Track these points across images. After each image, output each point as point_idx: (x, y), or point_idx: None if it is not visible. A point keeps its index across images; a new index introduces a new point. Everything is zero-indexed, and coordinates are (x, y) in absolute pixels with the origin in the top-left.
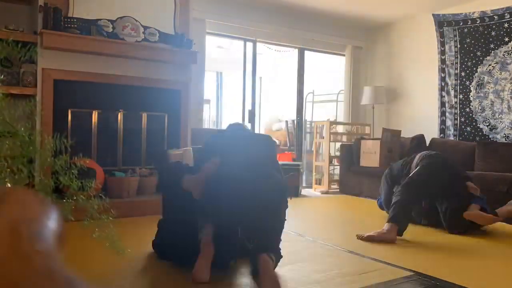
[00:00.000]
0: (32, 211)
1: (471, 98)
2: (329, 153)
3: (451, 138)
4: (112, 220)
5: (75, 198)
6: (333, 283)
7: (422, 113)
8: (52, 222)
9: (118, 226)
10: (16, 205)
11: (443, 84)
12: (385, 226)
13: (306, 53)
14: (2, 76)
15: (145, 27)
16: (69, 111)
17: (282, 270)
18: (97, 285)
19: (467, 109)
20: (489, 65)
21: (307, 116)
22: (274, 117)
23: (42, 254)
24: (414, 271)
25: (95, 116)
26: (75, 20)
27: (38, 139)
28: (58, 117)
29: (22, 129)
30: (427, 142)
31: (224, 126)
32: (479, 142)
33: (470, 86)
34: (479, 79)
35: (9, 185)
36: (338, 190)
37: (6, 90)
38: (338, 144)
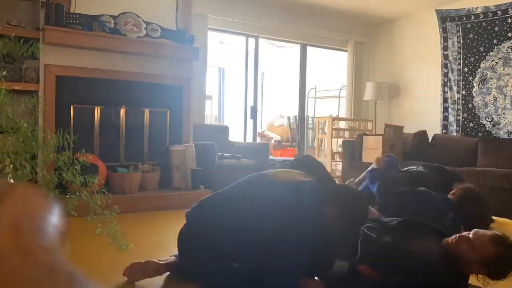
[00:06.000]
0: (35, 206)
1: (474, 94)
2: (331, 149)
3: (454, 134)
4: (114, 215)
5: (78, 193)
6: None
7: (425, 109)
8: (54, 218)
9: (120, 221)
10: (19, 200)
11: (445, 80)
12: None
13: (308, 48)
14: (5, 72)
15: (147, 23)
16: (72, 107)
17: None
18: (100, 281)
19: (470, 105)
20: (492, 60)
21: (309, 112)
22: (276, 113)
23: (45, 249)
24: None
25: (97, 112)
26: (77, 16)
27: (40, 135)
28: (60, 113)
29: (25, 125)
30: (430, 138)
31: (226, 122)
32: (481, 138)
33: (473, 81)
34: (482, 74)
35: (12, 181)
36: None
37: (9, 86)
38: (340, 140)
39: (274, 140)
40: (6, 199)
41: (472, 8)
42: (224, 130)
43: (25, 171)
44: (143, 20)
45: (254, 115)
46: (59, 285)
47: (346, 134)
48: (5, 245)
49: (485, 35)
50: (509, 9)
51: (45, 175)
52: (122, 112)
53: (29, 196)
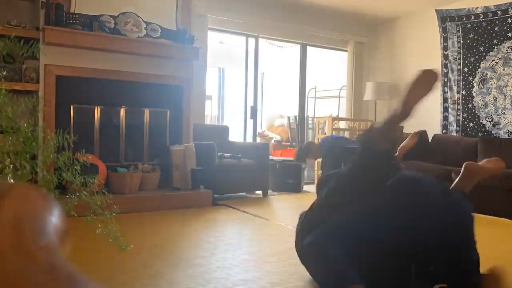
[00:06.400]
0: (35, 206)
1: (474, 94)
2: None
3: (454, 134)
4: (114, 216)
5: (77, 194)
6: None
7: (425, 109)
8: (54, 218)
9: (120, 222)
10: (19, 200)
11: (445, 80)
12: None
13: (308, 48)
14: (5, 72)
15: (147, 23)
16: (72, 107)
17: (283, 265)
18: (100, 280)
19: (470, 105)
20: (492, 60)
21: (309, 112)
22: (276, 113)
23: (45, 249)
24: None
25: (97, 112)
26: (77, 16)
27: (40, 135)
28: (60, 113)
29: (25, 125)
30: (430, 138)
31: (226, 122)
32: (481, 138)
33: (473, 81)
34: (482, 74)
35: (12, 181)
36: None
37: (9, 86)
38: None
39: (274, 140)
40: (6, 199)
41: (472, 8)
42: (224, 130)
43: (25, 171)
44: (143, 20)
45: (254, 115)
46: (59, 284)
47: (346, 134)
48: (5, 245)
49: (485, 35)
50: (509, 9)
51: (45, 175)
52: (122, 112)
53: (29, 196)
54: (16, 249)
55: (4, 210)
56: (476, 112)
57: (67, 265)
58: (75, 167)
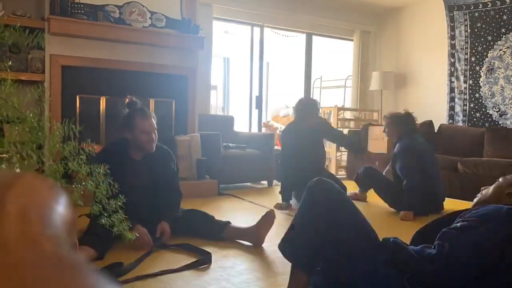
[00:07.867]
0: (42, 196)
1: (481, 84)
2: None
3: (460, 124)
4: (120, 205)
5: (84, 183)
6: None
7: (431, 99)
8: (61, 207)
9: None
10: (26, 190)
11: (452, 69)
12: None
13: (314, 38)
14: (11, 62)
15: (152, 13)
16: (77, 97)
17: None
18: (104, 271)
19: (477, 95)
20: (500, 50)
21: None
22: (281, 103)
23: (51, 238)
24: None
25: (103, 102)
26: (82, 5)
27: (46, 125)
28: (66, 103)
29: (31, 115)
30: (436, 128)
31: (231, 112)
32: (488, 128)
33: (480, 71)
34: (490, 64)
35: (19, 170)
36: (345, 176)
37: (15, 76)
38: (346, 130)
39: (279, 131)
40: (13, 188)
41: None
42: (229, 120)
43: (31, 161)
44: (148, 10)
45: (259, 105)
46: (65, 274)
47: (352, 124)
48: (12, 234)
49: (493, 24)
50: None
51: (51, 165)
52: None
53: (36, 186)
54: (22, 239)
55: (11, 199)
56: (483, 102)
57: (73, 255)
58: (81, 156)
